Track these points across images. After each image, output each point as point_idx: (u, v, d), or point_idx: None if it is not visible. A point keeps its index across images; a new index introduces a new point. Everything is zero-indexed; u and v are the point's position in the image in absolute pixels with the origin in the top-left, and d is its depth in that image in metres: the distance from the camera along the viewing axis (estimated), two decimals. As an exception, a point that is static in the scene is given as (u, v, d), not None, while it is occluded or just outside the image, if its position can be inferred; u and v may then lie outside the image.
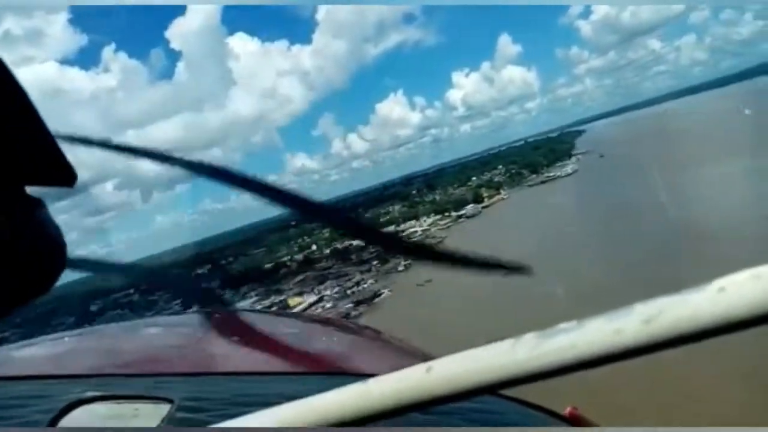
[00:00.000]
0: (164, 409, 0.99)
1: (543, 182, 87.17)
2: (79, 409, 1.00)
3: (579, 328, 0.39)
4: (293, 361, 1.35)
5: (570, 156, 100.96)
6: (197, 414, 0.96)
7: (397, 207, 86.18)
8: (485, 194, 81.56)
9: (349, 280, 55.82)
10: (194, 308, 1.92)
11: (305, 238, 72.64)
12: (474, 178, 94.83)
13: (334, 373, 1.21)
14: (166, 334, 1.65)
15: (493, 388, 0.41)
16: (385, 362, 1.49)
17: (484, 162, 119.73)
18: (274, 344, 1.52)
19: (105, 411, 1.02)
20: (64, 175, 0.49)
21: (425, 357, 0.85)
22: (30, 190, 0.49)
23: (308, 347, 1.52)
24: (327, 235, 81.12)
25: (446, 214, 75.35)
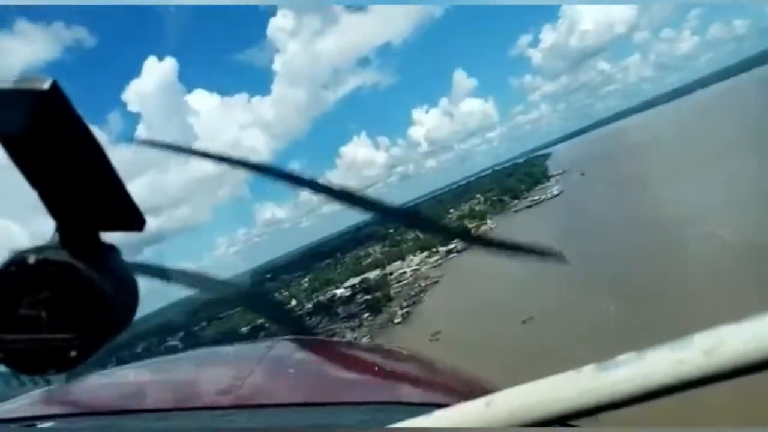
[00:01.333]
0: None
1: (529, 206, 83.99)
2: None
3: (639, 359, 0.38)
4: (353, 391, 1.35)
5: (549, 178, 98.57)
6: None
7: (377, 248, 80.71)
8: (470, 225, 77.02)
9: (339, 338, 49.47)
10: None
11: (282, 291, 66.27)
12: (452, 210, 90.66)
13: (393, 403, 1.21)
14: (226, 366, 1.60)
15: (552, 422, 0.40)
16: (446, 393, 1.47)
17: (457, 194, 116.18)
18: (334, 374, 1.54)
19: None
20: (134, 221, 0.52)
21: (489, 388, 0.83)
22: (103, 235, 0.52)
23: (368, 377, 1.54)
24: (306, 286, 75.11)
25: (434, 250, 70.22)
